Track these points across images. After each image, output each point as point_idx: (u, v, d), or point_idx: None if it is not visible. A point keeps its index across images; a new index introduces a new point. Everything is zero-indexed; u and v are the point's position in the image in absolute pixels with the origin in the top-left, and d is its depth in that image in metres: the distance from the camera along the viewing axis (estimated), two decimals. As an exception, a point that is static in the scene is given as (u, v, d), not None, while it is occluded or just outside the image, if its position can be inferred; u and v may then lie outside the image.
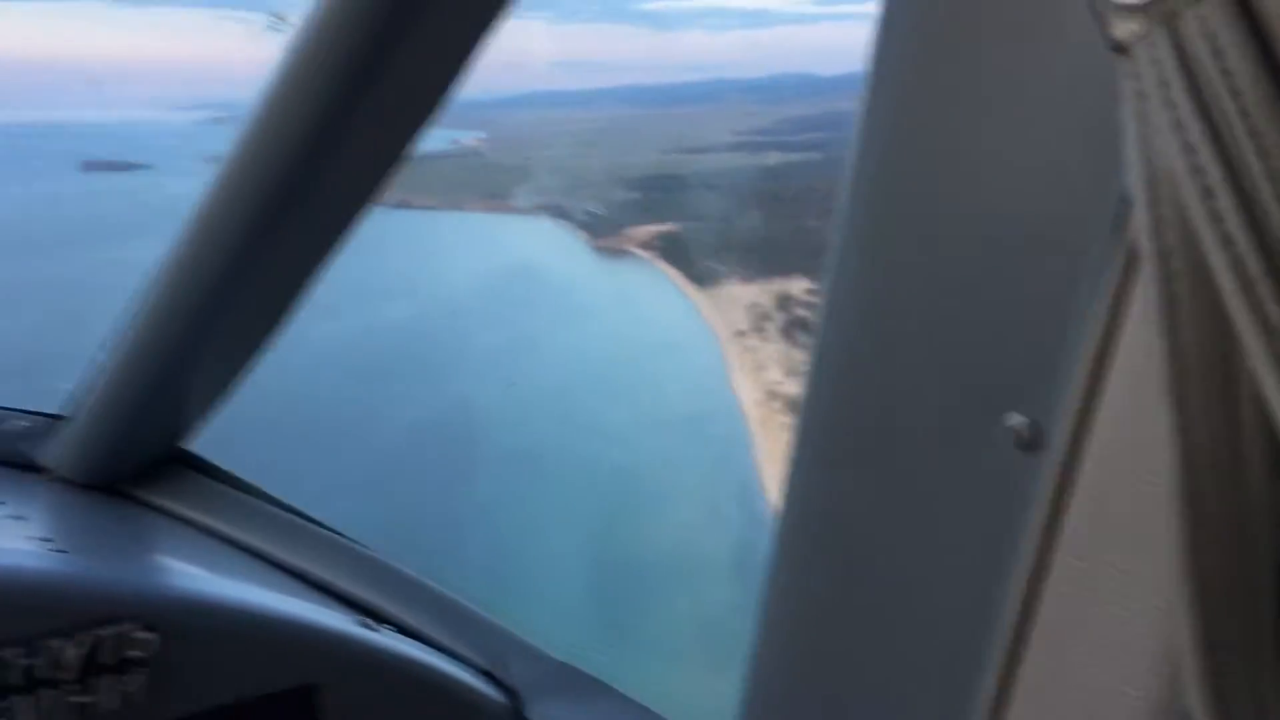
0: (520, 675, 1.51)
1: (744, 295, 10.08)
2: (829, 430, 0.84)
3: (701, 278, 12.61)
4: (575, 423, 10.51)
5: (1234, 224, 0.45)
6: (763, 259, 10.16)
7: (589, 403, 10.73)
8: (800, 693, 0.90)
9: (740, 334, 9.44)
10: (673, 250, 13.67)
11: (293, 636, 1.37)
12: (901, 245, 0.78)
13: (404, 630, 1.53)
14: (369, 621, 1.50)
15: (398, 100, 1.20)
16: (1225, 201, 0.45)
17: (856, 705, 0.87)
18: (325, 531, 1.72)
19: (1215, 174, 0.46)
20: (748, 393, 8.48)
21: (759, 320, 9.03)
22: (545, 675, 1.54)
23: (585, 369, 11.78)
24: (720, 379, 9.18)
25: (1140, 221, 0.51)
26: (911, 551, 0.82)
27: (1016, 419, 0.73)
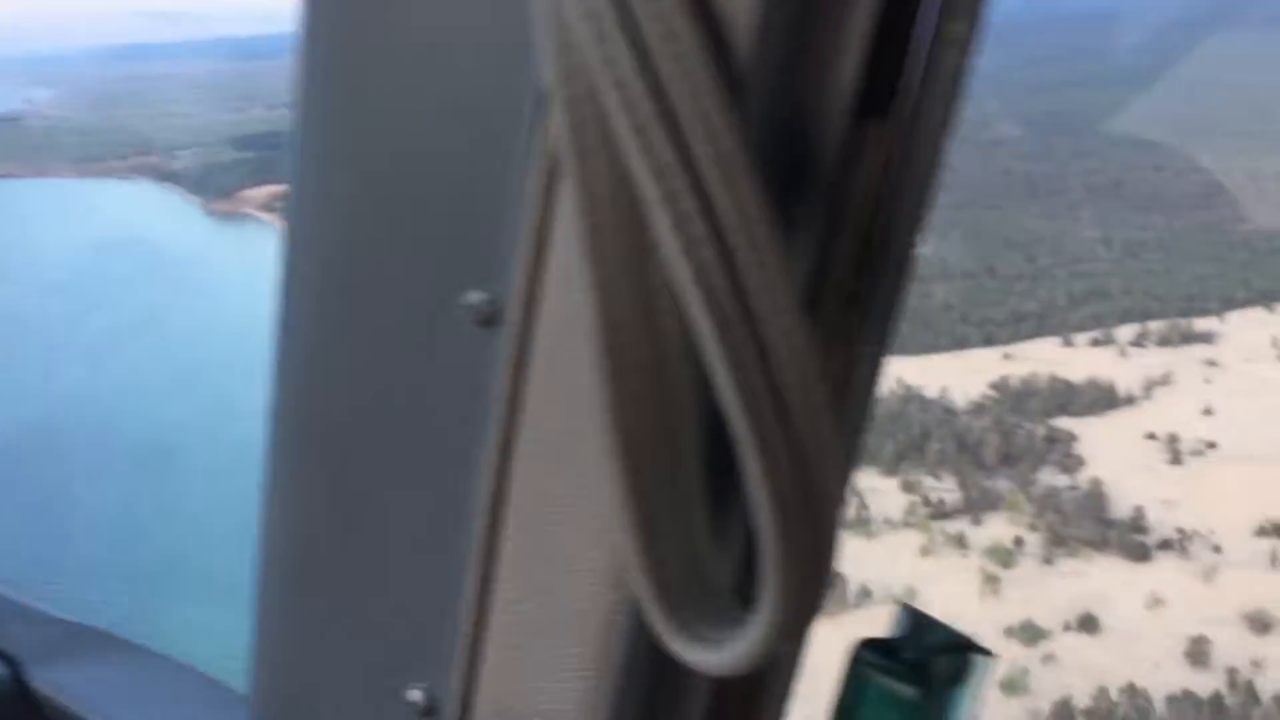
0: (20, 640, 1.38)
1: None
2: (306, 331, 0.84)
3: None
4: (214, 407, 9.73)
5: (627, 69, 0.47)
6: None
7: (226, 384, 9.89)
8: (305, 588, 0.90)
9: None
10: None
11: None
12: (350, 140, 0.78)
13: None
14: None
15: None
16: (619, 48, 0.47)
17: (354, 593, 0.87)
18: None
19: (610, 18, 0.47)
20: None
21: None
22: (48, 637, 1.44)
23: (217, 347, 10.92)
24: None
25: (549, 75, 0.52)
26: (391, 438, 0.82)
27: (475, 296, 0.73)
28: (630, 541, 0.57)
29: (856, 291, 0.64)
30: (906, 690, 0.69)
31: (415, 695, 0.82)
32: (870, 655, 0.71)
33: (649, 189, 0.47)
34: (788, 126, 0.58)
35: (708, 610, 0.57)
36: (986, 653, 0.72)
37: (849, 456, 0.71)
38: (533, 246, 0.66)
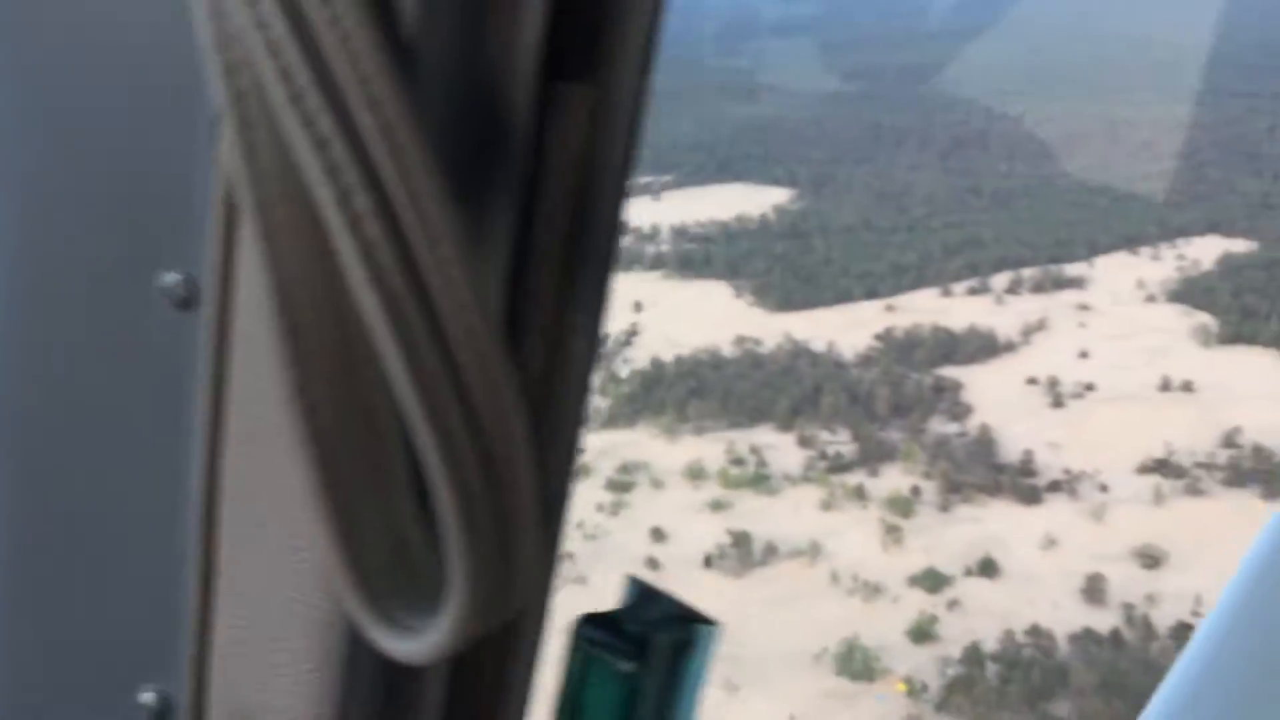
0: None
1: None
2: (6, 323, 0.79)
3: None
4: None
5: (281, 32, 0.45)
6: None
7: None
8: (27, 586, 0.85)
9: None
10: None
11: None
12: (26, 117, 0.74)
13: None
14: None
15: None
16: (271, 10, 0.45)
17: (78, 591, 0.82)
18: None
19: None
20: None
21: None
22: None
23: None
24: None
25: (205, 44, 0.50)
26: (100, 429, 0.77)
27: (170, 277, 0.70)
28: (326, 529, 0.55)
29: (565, 260, 0.64)
30: (626, 665, 0.70)
31: (147, 697, 0.80)
32: (589, 631, 0.70)
33: (309, 162, 0.45)
34: (471, 94, 0.58)
35: (412, 598, 0.55)
36: (711, 623, 0.71)
37: (571, 427, 0.68)
38: (223, 224, 0.64)
